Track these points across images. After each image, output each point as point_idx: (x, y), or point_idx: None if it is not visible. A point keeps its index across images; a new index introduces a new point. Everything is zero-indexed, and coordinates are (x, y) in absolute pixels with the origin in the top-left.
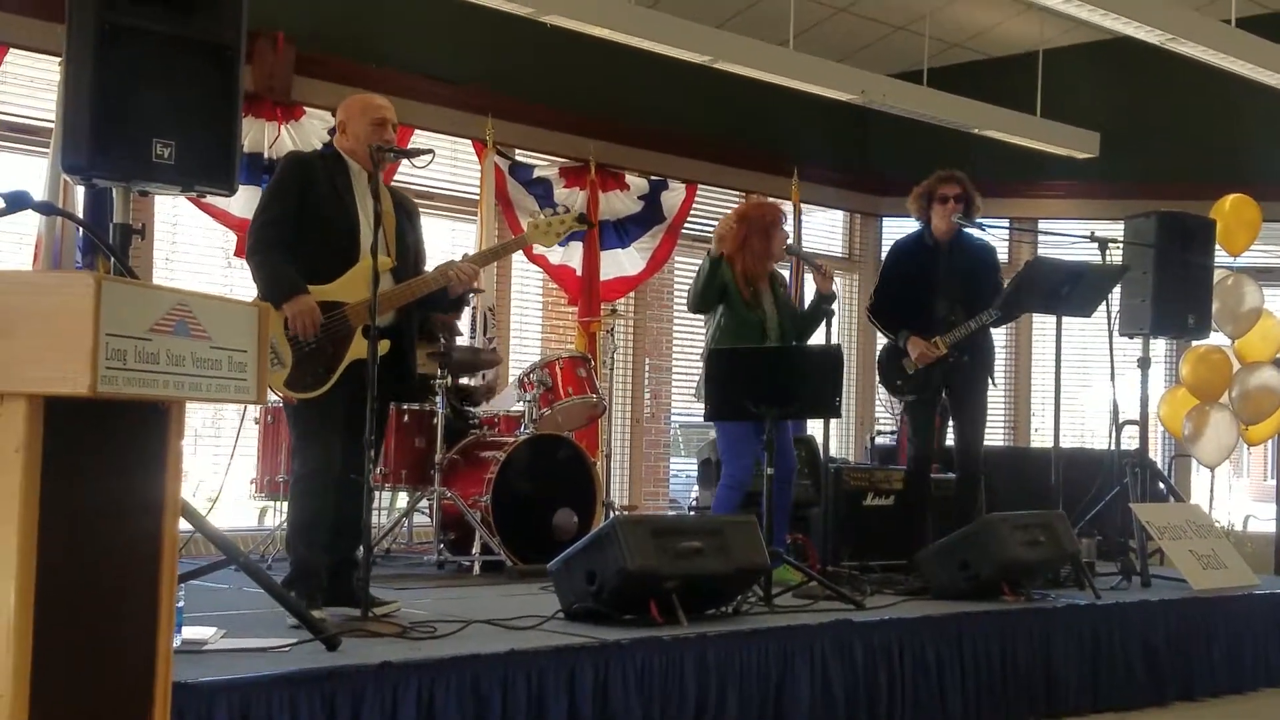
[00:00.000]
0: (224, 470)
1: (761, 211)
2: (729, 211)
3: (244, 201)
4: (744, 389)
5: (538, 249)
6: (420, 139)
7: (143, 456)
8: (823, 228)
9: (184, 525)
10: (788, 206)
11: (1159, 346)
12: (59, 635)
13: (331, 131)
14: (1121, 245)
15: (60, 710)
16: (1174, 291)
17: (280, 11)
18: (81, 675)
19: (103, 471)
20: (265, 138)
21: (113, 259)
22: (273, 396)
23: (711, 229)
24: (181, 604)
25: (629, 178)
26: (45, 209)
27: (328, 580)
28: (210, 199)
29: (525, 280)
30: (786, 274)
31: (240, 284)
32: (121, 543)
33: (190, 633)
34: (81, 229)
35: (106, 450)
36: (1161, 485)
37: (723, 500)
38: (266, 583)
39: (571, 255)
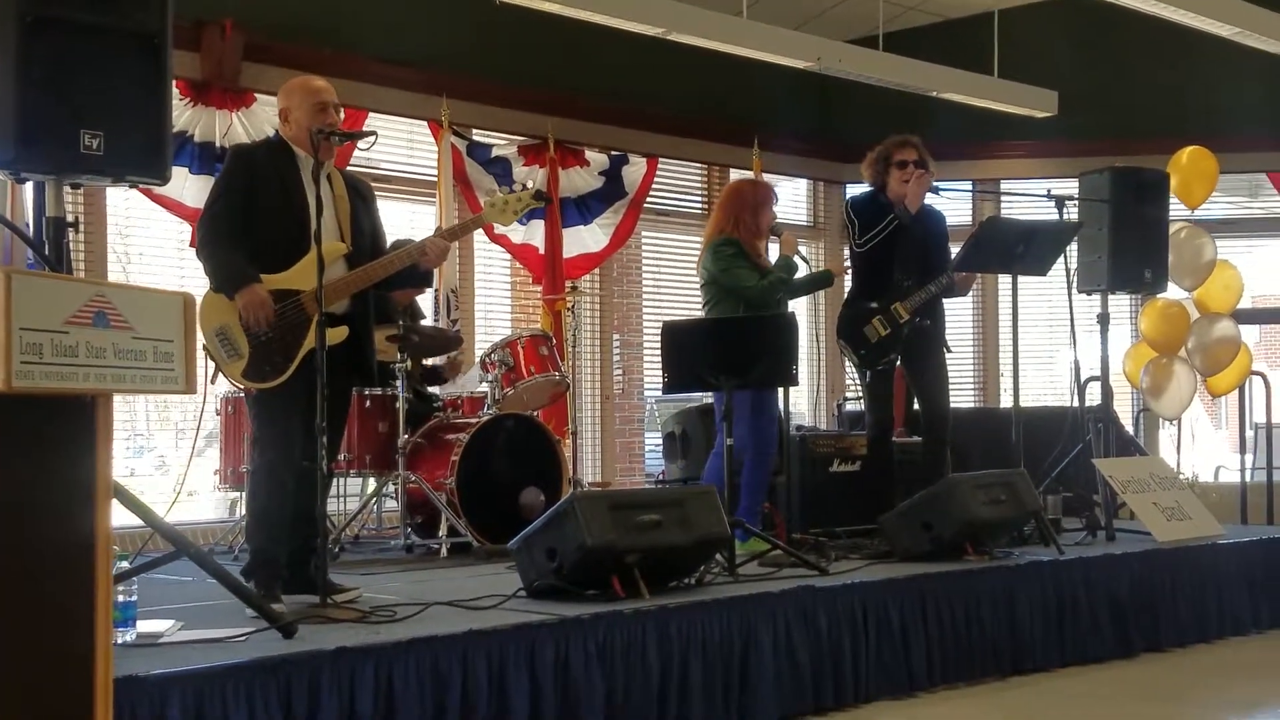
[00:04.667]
0: (186, 463)
1: (754, 189)
2: (697, 184)
3: (198, 191)
4: (701, 360)
5: (499, 229)
6: (375, 121)
7: (70, 451)
8: (787, 196)
9: (135, 520)
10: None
11: (1124, 303)
12: None
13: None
14: (1077, 202)
15: None
16: (1130, 246)
17: None
18: (16, 675)
19: (28, 467)
20: (217, 126)
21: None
22: (232, 387)
23: (674, 202)
24: (134, 598)
25: (589, 154)
26: None
27: (288, 569)
28: (162, 190)
29: (489, 261)
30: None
31: (197, 276)
32: (52, 539)
33: (146, 626)
34: (30, 228)
35: (31, 446)
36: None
37: (714, 468)
38: (218, 573)
39: (534, 234)
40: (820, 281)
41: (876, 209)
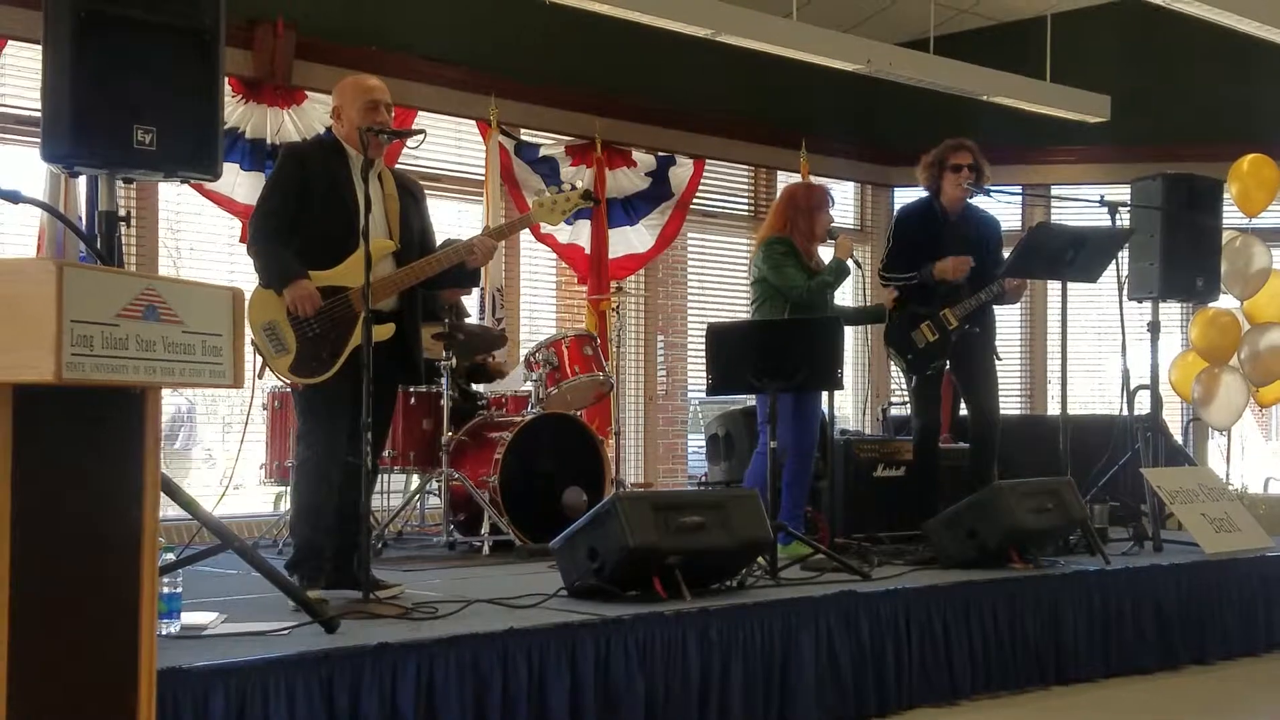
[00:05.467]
0: (235, 456)
1: (808, 193)
2: (744, 186)
3: (248, 187)
4: (745, 362)
5: (546, 228)
6: (424, 120)
7: (118, 442)
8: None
9: (181, 512)
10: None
11: (1175, 311)
12: (36, 625)
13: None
14: (1129, 208)
15: (41, 701)
16: (1182, 254)
17: None
18: (61, 665)
19: (77, 459)
20: (268, 124)
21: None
22: (278, 381)
23: (720, 204)
24: (179, 590)
25: (636, 154)
26: (10, 197)
27: (332, 564)
28: (213, 186)
29: (534, 260)
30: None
31: (246, 271)
32: (99, 529)
33: (190, 618)
34: (83, 222)
35: (80, 437)
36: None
37: (755, 470)
38: (262, 566)
39: (580, 234)
40: (873, 316)
41: (920, 230)
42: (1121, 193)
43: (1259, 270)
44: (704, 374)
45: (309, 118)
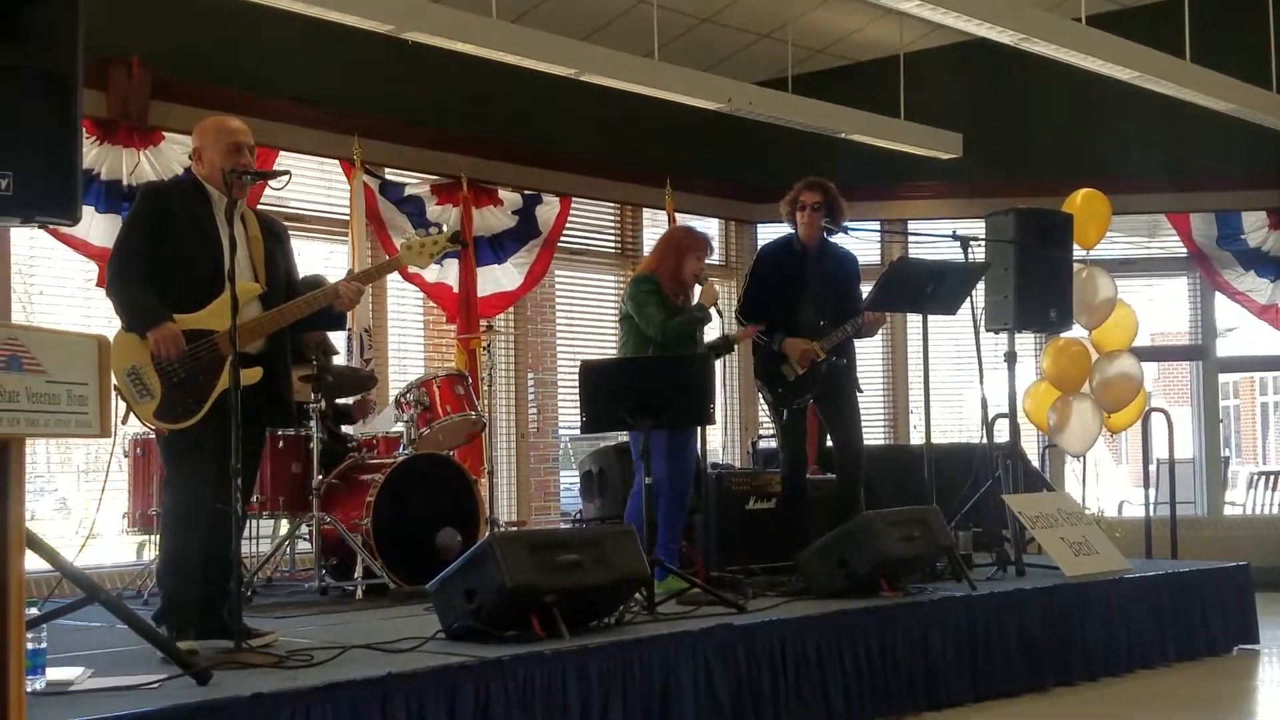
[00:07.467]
0: (96, 506)
1: (685, 235)
2: (610, 224)
3: (104, 230)
4: (618, 400)
5: (413, 268)
6: (286, 160)
7: None
8: None
9: (45, 565)
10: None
11: (1028, 341)
12: None
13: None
14: (983, 243)
15: None
16: (1036, 286)
17: (135, 36)
18: None
19: None
20: (124, 164)
21: None
22: (141, 428)
23: (587, 242)
24: (44, 645)
25: (502, 193)
26: None
27: (200, 613)
28: (68, 230)
29: (403, 300)
30: None
31: (102, 315)
32: None
33: (56, 674)
34: None
35: None
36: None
37: (635, 507)
38: (130, 618)
39: (448, 273)
40: (719, 349)
41: (780, 264)
42: (975, 226)
43: (1104, 300)
44: (575, 411)
45: (166, 158)
